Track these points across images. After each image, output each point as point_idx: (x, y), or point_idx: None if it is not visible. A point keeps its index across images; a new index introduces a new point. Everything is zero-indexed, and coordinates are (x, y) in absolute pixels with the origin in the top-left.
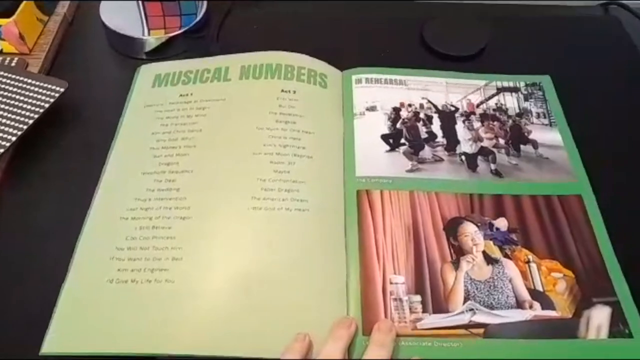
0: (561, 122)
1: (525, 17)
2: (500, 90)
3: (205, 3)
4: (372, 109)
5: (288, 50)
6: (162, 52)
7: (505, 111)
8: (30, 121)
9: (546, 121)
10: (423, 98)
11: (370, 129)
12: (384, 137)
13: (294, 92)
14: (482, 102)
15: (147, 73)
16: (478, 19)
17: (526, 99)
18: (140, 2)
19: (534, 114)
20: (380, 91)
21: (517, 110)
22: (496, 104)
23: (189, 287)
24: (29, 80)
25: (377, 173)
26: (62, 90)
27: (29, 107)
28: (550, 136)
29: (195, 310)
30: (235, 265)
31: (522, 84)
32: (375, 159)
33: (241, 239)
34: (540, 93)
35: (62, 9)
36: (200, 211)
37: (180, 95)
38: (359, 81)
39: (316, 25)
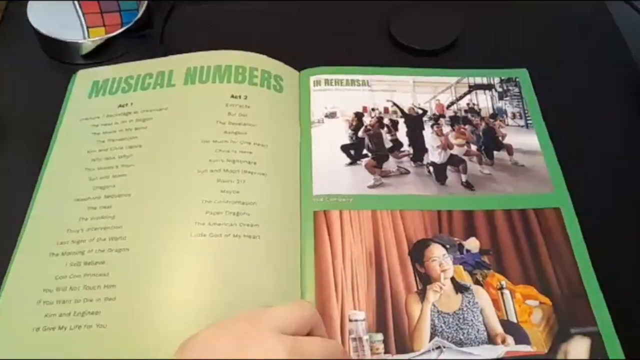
0: (538, 122)
1: (501, 5)
2: (473, 87)
3: None
4: (331, 115)
5: (239, 49)
6: (100, 55)
7: (478, 112)
8: None
9: (522, 122)
10: (388, 101)
11: (330, 139)
12: (345, 148)
13: (246, 97)
14: (452, 103)
15: (83, 80)
16: (450, 8)
17: (501, 97)
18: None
19: (509, 114)
20: (341, 94)
21: (491, 111)
22: (468, 104)
23: (123, 331)
24: None
25: (336, 191)
26: None
27: None
28: (526, 140)
29: (129, 356)
30: (175, 302)
31: (497, 79)
32: (335, 174)
33: (181, 271)
34: (517, 90)
35: None
36: (137, 241)
37: (120, 105)
38: (317, 83)
39: (271, 20)
